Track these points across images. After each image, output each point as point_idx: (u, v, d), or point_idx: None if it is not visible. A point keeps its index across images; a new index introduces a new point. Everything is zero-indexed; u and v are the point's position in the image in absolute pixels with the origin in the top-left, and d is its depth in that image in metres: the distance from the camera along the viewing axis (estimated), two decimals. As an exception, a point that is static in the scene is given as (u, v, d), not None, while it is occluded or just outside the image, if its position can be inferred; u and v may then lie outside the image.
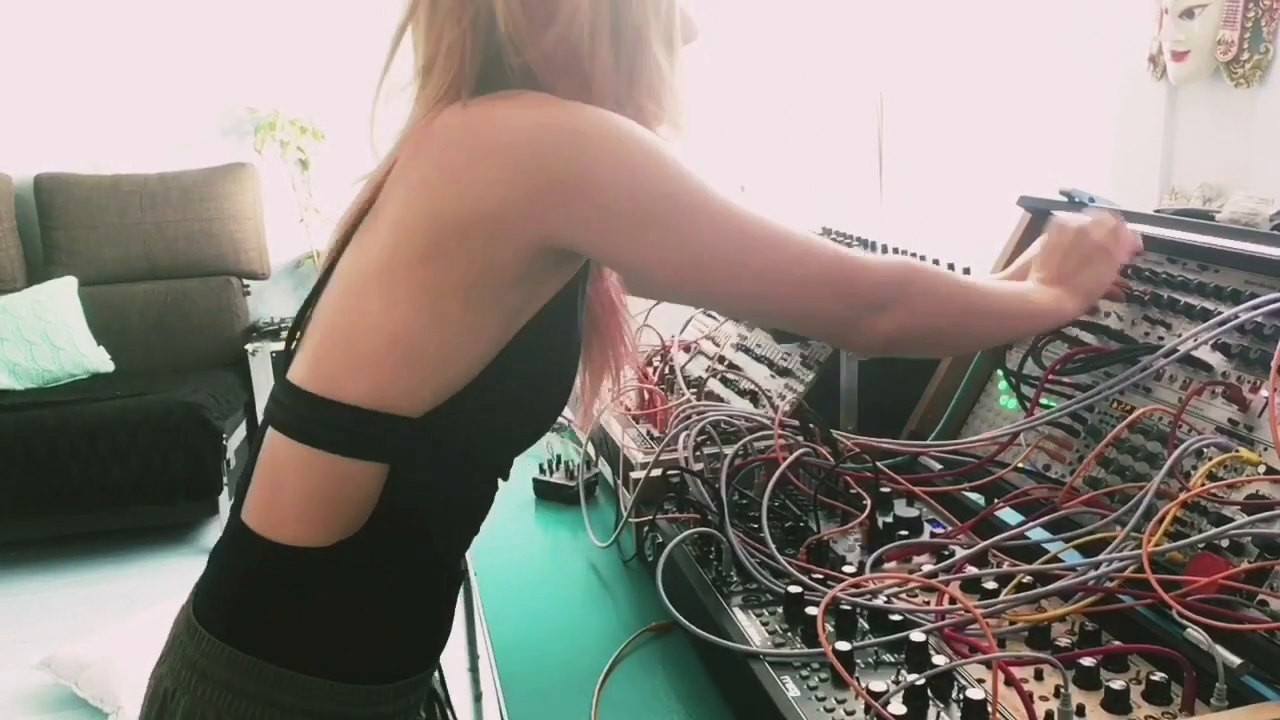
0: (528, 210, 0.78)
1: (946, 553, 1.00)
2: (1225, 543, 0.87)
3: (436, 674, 1.02)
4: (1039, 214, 1.31)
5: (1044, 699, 0.78)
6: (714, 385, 1.54)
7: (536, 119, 0.79)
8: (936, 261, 1.54)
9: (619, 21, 0.83)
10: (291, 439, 0.82)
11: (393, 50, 0.87)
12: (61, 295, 3.76)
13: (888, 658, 0.84)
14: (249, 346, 3.86)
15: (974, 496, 1.13)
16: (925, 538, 1.05)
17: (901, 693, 0.76)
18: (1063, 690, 0.74)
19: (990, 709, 0.73)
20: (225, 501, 3.52)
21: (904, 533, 1.05)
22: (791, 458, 1.10)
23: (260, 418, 0.90)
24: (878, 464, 1.12)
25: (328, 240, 0.92)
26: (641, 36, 0.84)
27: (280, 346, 3.81)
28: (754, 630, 0.90)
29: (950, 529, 1.07)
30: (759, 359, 1.53)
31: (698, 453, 1.18)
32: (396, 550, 0.85)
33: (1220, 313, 1.01)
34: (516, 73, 0.83)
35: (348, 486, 0.81)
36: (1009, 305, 0.99)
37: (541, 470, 1.48)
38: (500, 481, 0.93)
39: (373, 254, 0.82)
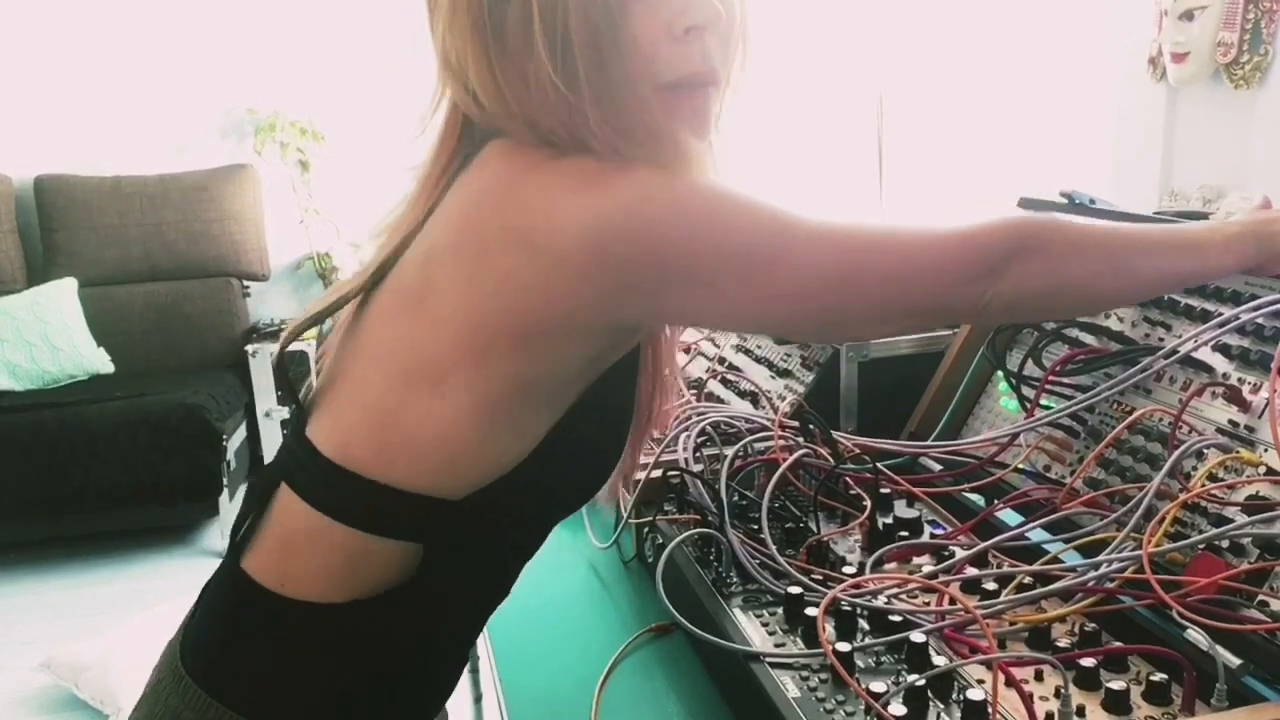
0: (601, 307, 0.71)
1: (946, 553, 1.00)
2: (1225, 543, 0.87)
3: None
4: (1039, 215, 1.31)
5: (1044, 699, 0.78)
6: (714, 386, 1.54)
7: (593, 205, 0.69)
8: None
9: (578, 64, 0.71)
10: (312, 507, 0.77)
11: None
12: (61, 296, 3.76)
13: (888, 658, 0.84)
14: (249, 348, 3.86)
15: (974, 497, 1.13)
16: (925, 539, 1.05)
17: (901, 693, 0.76)
18: (1063, 691, 0.74)
19: (990, 709, 0.73)
20: (225, 502, 3.52)
21: (904, 534, 1.05)
22: (791, 459, 1.10)
23: (268, 421, 0.89)
24: (878, 465, 1.12)
25: (357, 271, 0.83)
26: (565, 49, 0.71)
27: (277, 347, 3.84)
28: (754, 631, 0.90)
29: (950, 530, 1.07)
30: (759, 360, 1.53)
31: (698, 454, 1.18)
32: (414, 619, 0.79)
33: (1220, 314, 1.01)
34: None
35: (372, 562, 0.76)
36: (1164, 245, 0.84)
37: (541, 471, 1.48)
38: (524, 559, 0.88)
39: (416, 342, 0.74)
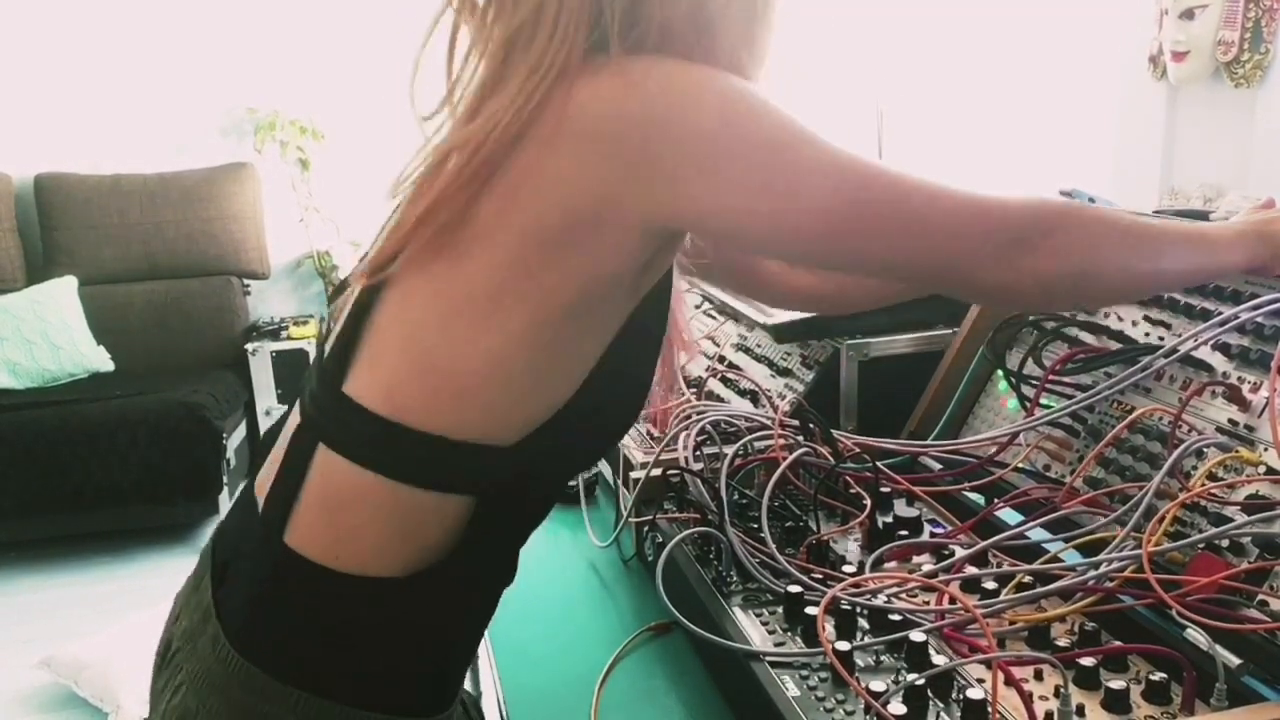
0: (631, 194, 0.70)
1: (946, 552, 1.00)
2: (1225, 543, 0.87)
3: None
4: (1039, 214, 1.31)
5: (1044, 699, 0.78)
6: (714, 385, 1.54)
7: (623, 87, 0.70)
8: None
9: None
10: (359, 465, 0.74)
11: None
12: (61, 295, 3.76)
13: (887, 657, 0.84)
14: (249, 346, 3.86)
15: (974, 496, 1.13)
16: (925, 538, 1.05)
17: (901, 693, 0.76)
18: (1062, 690, 0.74)
19: (990, 709, 0.73)
20: (225, 501, 3.52)
21: (904, 533, 1.05)
22: (791, 458, 1.10)
23: (268, 419, 0.88)
24: (878, 464, 1.12)
25: (384, 228, 0.80)
26: None
27: (279, 346, 3.85)
28: (754, 630, 0.90)
29: (950, 529, 1.07)
30: (759, 359, 1.53)
31: (698, 452, 1.18)
32: (473, 581, 0.79)
33: (1220, 313, 1.01)
34: (622, 33, 0.72)
35: (427, 519, 0.75)
36: (1180, 237, 0.85)
37: (541, 470, 1.48)
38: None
39: (457, 278, 0.73)
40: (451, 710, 0.85)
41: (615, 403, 0.80)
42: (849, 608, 0.87)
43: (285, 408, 0.91)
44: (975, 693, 0.74)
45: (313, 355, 0.86)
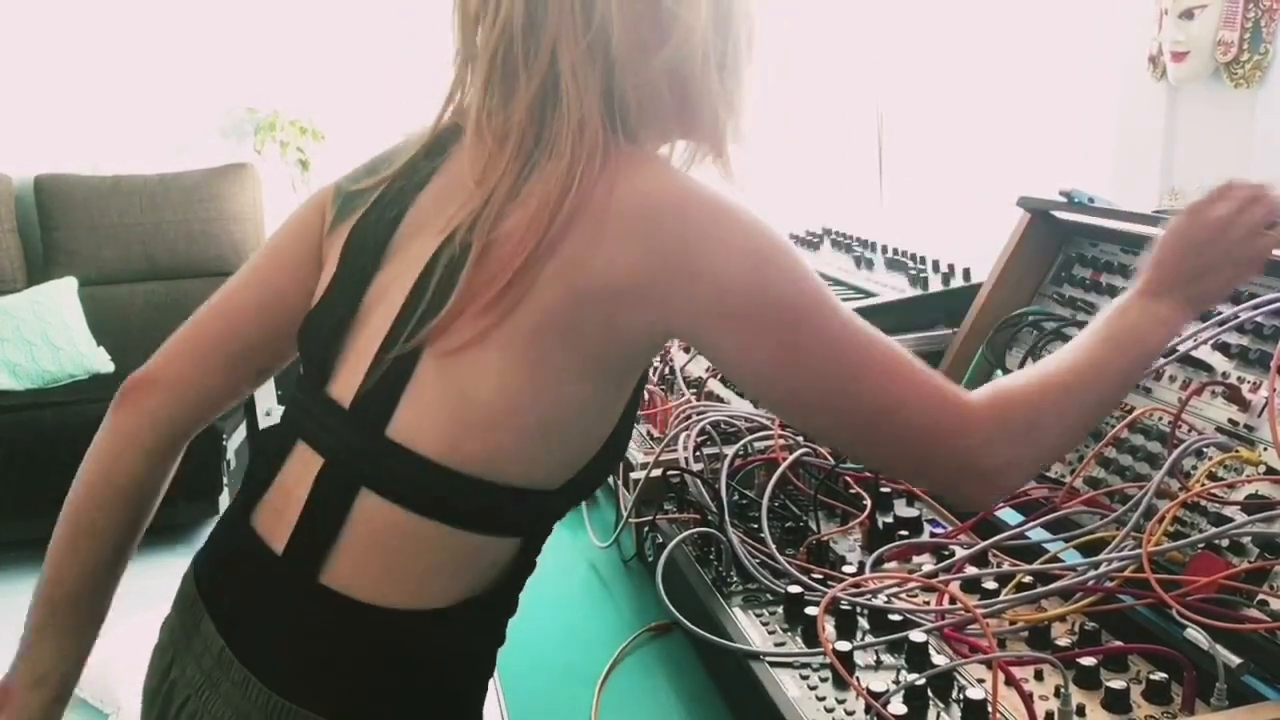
0: (649, 291, 0.73)
1: (946, 552, 1.00)
2: (1225, 542, 0.87)
3: None
4: (1039, 214, 1.31)
5: (1044, 699, 0.78)
6: (714, 385, 1.54)
7: (664, 199, 0.73)
8: (936, 265, 1.54)
9: (726, 35, 0.79)
10: (418, 514, 0.76)
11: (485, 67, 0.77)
12: (61, 296, 3.76)
13: (888, 658, 0.84)
14: (249, 347, 3.87)
15: (974, 496, 1.13)
16: (925, 537, 1.05)
17: (901, 693, 0.76)
18: (1063, 690, 0.74)
19: (990, 709, 0.73)
20: (225, 502, 3.52)
21: (904, 533, 1.05)
22: (791, 458, 1.11)
23: (268, 419, 0.87)
24: (878, 464, 1.12)
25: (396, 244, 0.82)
26: (740, 50, 0.80)
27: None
28: (754, 630, 0.90)
29: (950, 529, 1.07)
30: (759, 359, 1.53)
31: (698, 453, 1.18)
32: (507, 607, 0.84)
33: (1220, 312, 1.01)
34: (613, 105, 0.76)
35: (479, 559, 0.79)
36: (1116, 367, 0.81)
37: (541, 470, 1.48)
38: None
39: (512, 323, 0.73)
40: None
41: (625, 440, 0.83)
42: (849, 608, 0.87)
43: (285, 409, 0.90)
44: (975, 693, 0.74)
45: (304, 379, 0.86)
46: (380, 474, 0.76)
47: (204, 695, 0.79)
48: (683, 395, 1.46)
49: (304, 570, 0.77)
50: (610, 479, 1.37)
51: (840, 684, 0.79)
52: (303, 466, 0.81)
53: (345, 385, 0.80)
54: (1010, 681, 0.73)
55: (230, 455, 3.56)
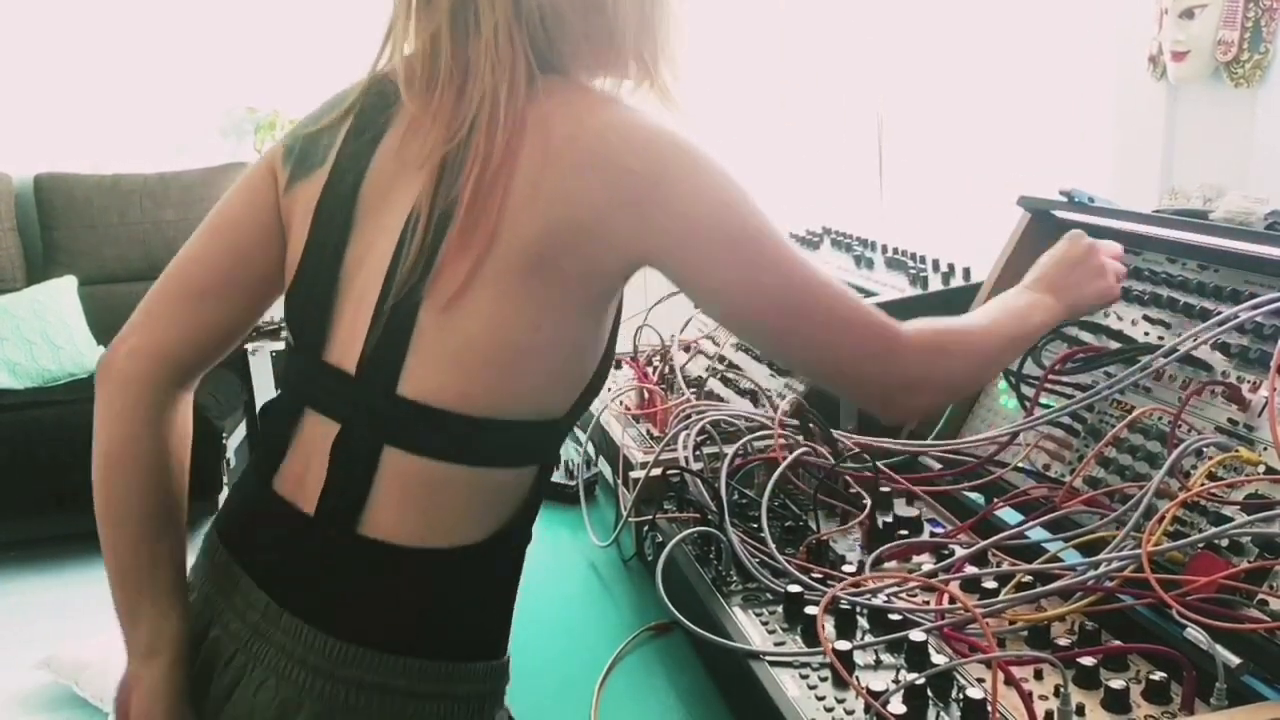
0: (615, 224, 0.78)
1: (946, 552, 1.00)
2: (1225, 542, 0.87)
3: None
4: (1039, 214, 1.31)
5: (1044, 698, 0.78)
6: (714, 385, 1.54)
7: (624, 124, 0.79)
8: (936, 264, 1.54)
9: None
10: (443, 461, 0.81)
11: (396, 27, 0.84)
12: (61, 295, 3.76)
13: (887, 657, 0.84)
14: (249, 346, 3.85)
15: (974, 496, 1.13)
16: (925, 537, 1.05)
17: (901, 692, 0.76)
18: (1062, 690, 0.74)
19: (990, 708, 0.73)
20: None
21: (904, 532, 1.05)
22: (791, 457, 1.10)
23: (286, 403, 0.88)
24: (877, 463, 1.12)
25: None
26: None
27: (279, 346, 3.84)
28: (754, 630, 0.90)
29: (950, 528, 1.07)
30: (759, 359, 1.53)
31: (697, 452, 1.18)
32: (529, 531, 0.89)
33: (1220, 312, 1.01)
34: (535, 35, 0.81)
35: (506, 492, 0.85)
36: (1009, 331, 1.00)
37: (541, 470, 1.48)
38: None
39: (496, 266, 0.78)
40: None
41: (611, 361, 0.90)
42: (849, 607, 0.87)
43: (284, 378, 0.95)
44: (975, 692, 0.74)
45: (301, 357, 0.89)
46: (400, 431, 0.81)
47: (253, 647, 0.84)
48: (683, 395, 1.46)
49: (340, 525, 0.82)
50: (610, 478, 1.37)
51: (840, 683, 0.79)
52: (316, 433, 0.85)
53: (345, 350, 0.84)
54: (1010, 681, 0.73)
55: (230, 455, 3.56)
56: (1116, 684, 0.76)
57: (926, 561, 1.00)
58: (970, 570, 0.95)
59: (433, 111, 0.81)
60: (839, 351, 0.84)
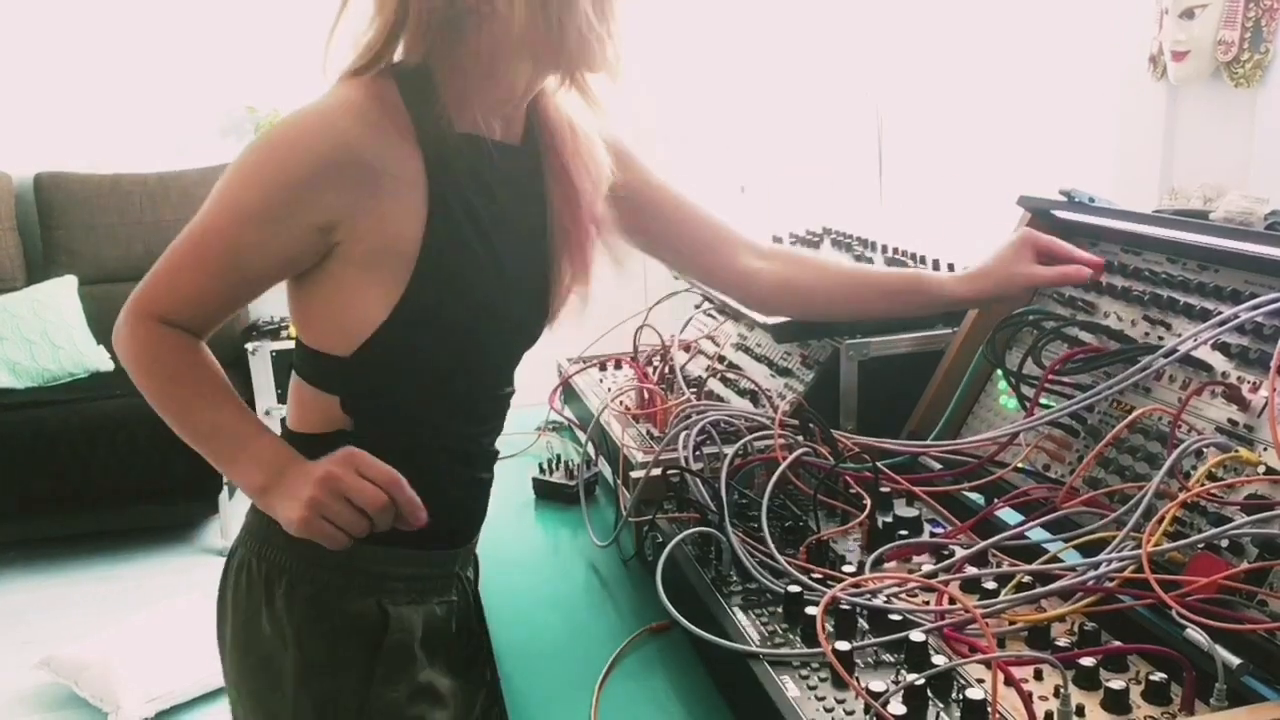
0: None
1: (946, 553, 1.00)
2: (1225, 543, 0.87)
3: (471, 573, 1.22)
4: (1039, 214, 1.31)
5: (1044, 699, 0.78)
6: (714, 385, 1.54)
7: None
8: (936, 264, 1.54)
9: None
10: (297, 374, 1.11)
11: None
12: (61, 294, 3.76)
13: (887, 658, 0.84)
14: (249, 346, 3.86)
15: (974, 496, 1.13)
16: (925, 538, 1.05)
17: (901, 693, 0.76)
18: (1062, 690, 0.74)
19: (990, 709, 0.73)
20: (225, 500, 3.52)
21: (904, 533, 1.05)
22: (791, 457, 1.10)
23: (268, 419, 0.93)
24: (877, 464, 1.12)
25: None
26: None
27: (279, 346, 3.85)
28: (754, 630, 0.90)
29: (950, 529, 1.07)
30: (759, 359, 1.53)
31: (698, 452, 1.18)
32: (373, 445, 1.00)
33: (1220, 312, 1.01)
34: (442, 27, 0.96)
35: (320, 405, 1.08)
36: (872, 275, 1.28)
37: (541, 470, 1.48)
38: (490, 383, 1.12)
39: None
40: (446, 557, 1.13)
41: (428, 335, 1.03)
42: (849, 608, 0.87)
43: (286, 407, 1.15)
44: (975, 693, 0.74)
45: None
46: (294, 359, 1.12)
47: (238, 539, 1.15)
48: (683, 395, 1.46)
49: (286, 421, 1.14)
50: (610, 478, 1.37)
51: (840, 684, 0.79)
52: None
53: None
54: (1010, 681, 0.73)
55: (230, 454, 3.56)
56: (1116, 684, 0.76)
57: (926, 562, 1.00)
58: (970, 571, 0.95)
59: None
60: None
